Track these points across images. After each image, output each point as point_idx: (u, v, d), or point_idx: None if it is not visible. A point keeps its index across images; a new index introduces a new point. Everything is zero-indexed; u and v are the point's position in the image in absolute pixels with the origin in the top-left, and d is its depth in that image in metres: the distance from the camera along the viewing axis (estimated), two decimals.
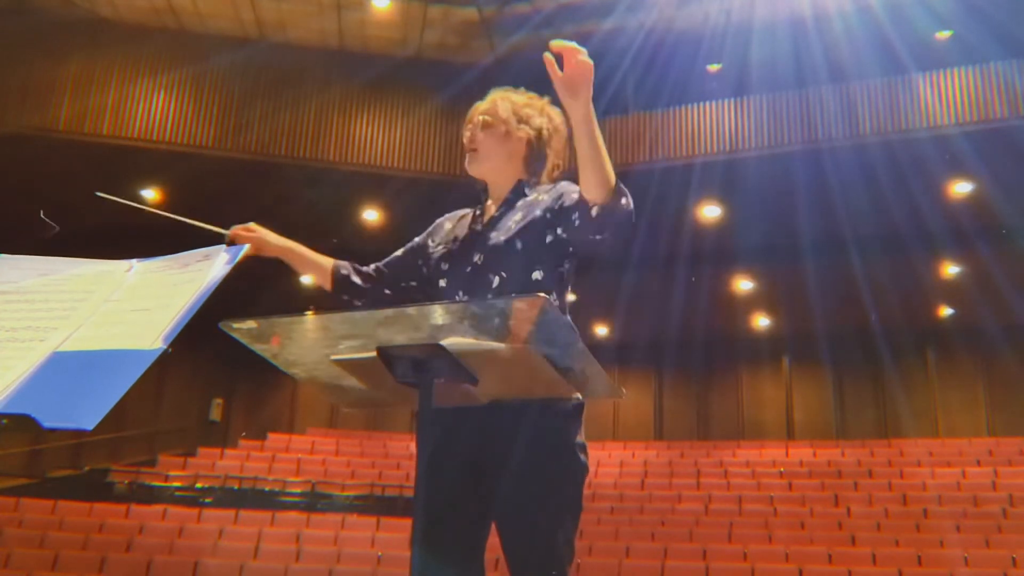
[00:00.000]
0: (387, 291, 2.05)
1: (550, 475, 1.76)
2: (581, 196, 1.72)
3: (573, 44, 1.57)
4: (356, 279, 2.03)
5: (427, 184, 11.75)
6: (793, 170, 10.58)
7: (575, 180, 1.78)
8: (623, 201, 1.68)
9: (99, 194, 1.94)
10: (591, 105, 1.62)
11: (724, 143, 10.99)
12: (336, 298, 2.00)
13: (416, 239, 2.10)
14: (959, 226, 11.00)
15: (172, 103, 11.44)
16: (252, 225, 1.95)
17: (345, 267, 2.03)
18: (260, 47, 11.70)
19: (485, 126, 2.00)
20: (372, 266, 2.07)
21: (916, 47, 10.56)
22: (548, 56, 1.58)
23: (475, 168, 2.02)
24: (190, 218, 1.98)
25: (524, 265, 1.85)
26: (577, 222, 1.77)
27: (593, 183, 1.66)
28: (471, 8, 11.33)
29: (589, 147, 1.63)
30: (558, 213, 1.86)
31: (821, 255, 11.70)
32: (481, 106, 2.04)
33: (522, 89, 2.10)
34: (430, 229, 2.10)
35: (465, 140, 2.03)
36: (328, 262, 2.02)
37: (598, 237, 1.73)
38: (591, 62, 1.58)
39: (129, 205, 1.96)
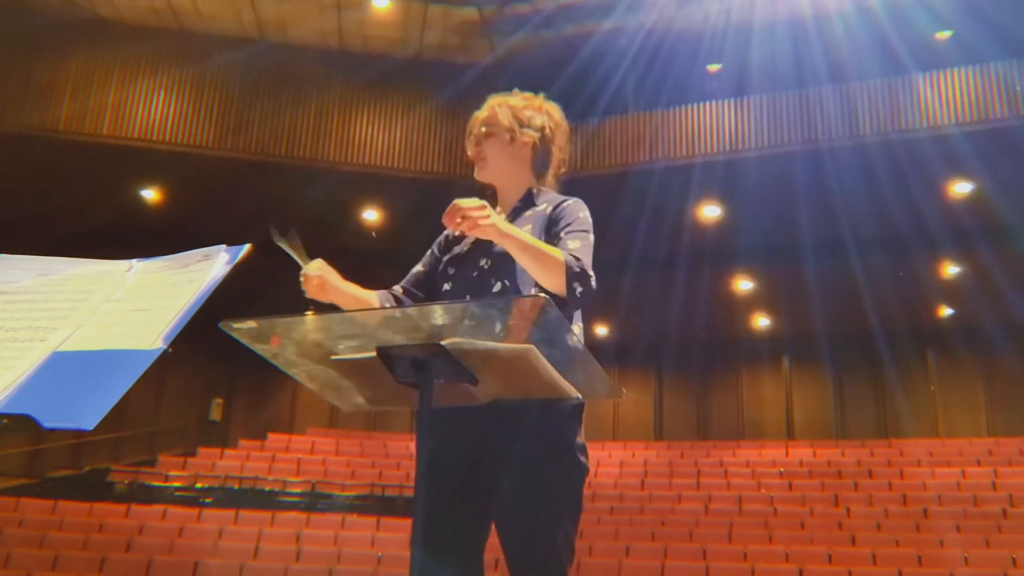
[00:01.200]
0: None
1: (550, 476, 1.76)
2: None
3: (465, 211, 1.67)
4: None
5: (427, 184, 11.75)
6: (793, 170, 10.58)
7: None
8: (578, 291, 1.73)
9: (279, 243, 1.88)
10: (509, 232, 1.71)
11: (724, 143, 10.99)
12: None
13: (429, 252, 2.11)
14: (959, 226, 11.00)
15: (172, 103, 11.44)
16: (321, 263, 1.89)
17: (386, 297, 2.02)
18: (260, 47, 11.70)
19: (489, 135, 2.01)
20: (399, 288, 2.07)
21: (916, 47, 10.56)
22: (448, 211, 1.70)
23: (484, 175, 2.05)
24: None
25: (527, 273, 1.85)
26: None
27: (548, 287, 1.74)
28: (471, 8, 11.33)
29: (526, 262, 1.74)
30: (553, 222, 1.91)
31: (821, 255, 11.70)
32: (481, 115, 2.04)
33: (516, 90, 2.11)
34: (439, 239, 2.11)
35: (471, 152, 2.04)
36: (373, 296, 2.00)
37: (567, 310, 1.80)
38: (489, 218, 1.67)
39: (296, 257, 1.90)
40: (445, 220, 1.70)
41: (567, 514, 1.77)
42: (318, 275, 1.86)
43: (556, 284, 1.72)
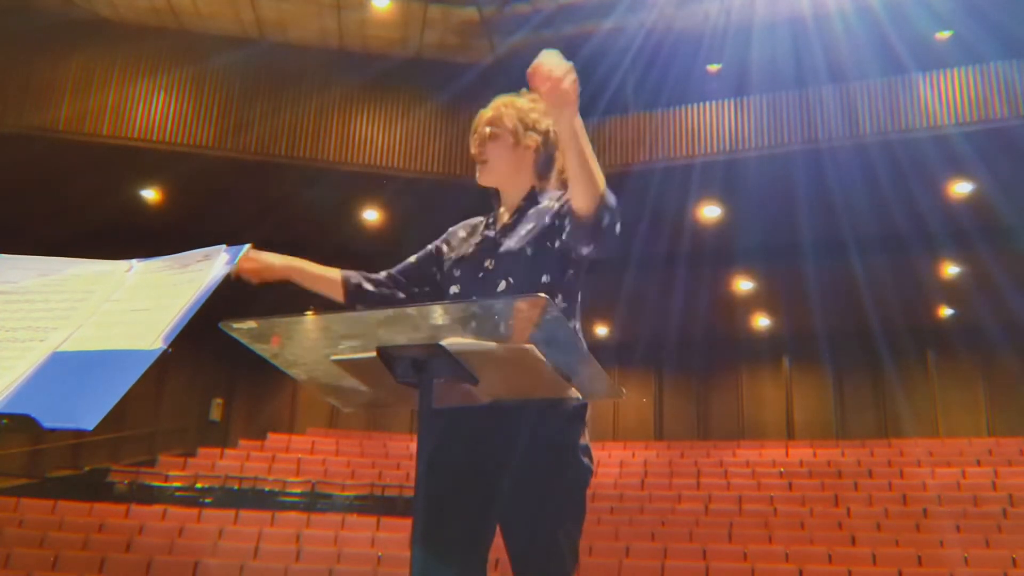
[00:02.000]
0: (400, 296, 2.02)
1: (552, 477, 1.75)
2: (571, 206, 1.72)
3: (552, 67, 1.56)
4: (368, 286, 2.00)
5: (427, 184, 11.75)
6: (793, 170, 10.58)
7: None
8: (607, 215, 1.68)
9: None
10: (577, 119, 1.62)
11: (724, 143, 10.99)
12: (349, 308, 1.96)
13: (429, 246, 2.09)
14: (959, 226, 11.00)
15: (172, 103, 11.44)
16: (249, 251, 1.89)
17: (355, 276, 2.00)
18: (260, 47, 11.71)
19: (493, 137, 1.98)
20: (383, 273, 2.05)
21: (916, 47, 10.56)
22: (533, 70, 1.58)
23: (486, 179, 2.01)
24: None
25: (532, 271, 1.85)
26: (568, 230, 1.78)
27: (579, 195, 1.67)
28: (471, 8, 11.33)
29: (575, 160, 1.64)
30: (561, 218, 1.86)
31: (821, 255, 11.70)
32: (486, 115, 2.02)
33: (524, 91, 2.09)
34: (444, 236, 2.09)
35: (474, 152, 2.01)
36: (336, 273, 1.98)
37: (584, 250, 1.77)
38: (571, 83, 1.57)
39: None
40: (534, 73, 1.57)
41: (570, 515, 1.77)
42: (251, 260, 1.84)
43: (588, 201, 1.66)
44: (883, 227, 11.25)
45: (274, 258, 1.89)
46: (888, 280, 12.20)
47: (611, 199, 1.68)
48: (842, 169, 10.38)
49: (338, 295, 1.98)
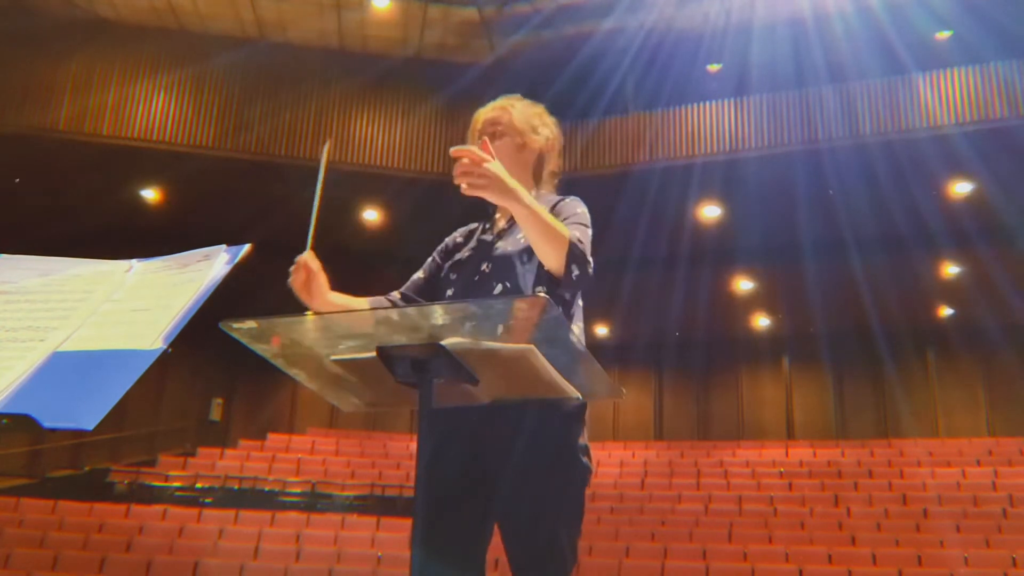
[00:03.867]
0: None
1: (551, 476, 1.75)
2: (545, 268, 1.74)
3: (466, 155, 1.59)
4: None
5: (427, 184, 11.75)
6: (793, 170, 10.59)
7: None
8: (576, 265, 1.69)
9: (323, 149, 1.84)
10: (520, 197, 1.62)
11: (724, 143, 10.99)
12: None
13: (430, 259, 2.09)
14: (959, 226, 11.00)
15: (172, 103, 11.44)
16: (314, 257, 1.82)
17: (381, 303, 1.98)
18: (260, 47, 11.71)
19: (500, 136, 1.97)
20: (397, 293, 2.04)
21: (916, 47, 10.57)
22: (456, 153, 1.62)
23: None
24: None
25: (529, 276, 1.85)
26: (546, 284, 1.78)
27: (548, 260, 1.70)
28: (471, 8, 11.33)
29: (532, 234, 1.68)
30: None
31: (821, 255, 11.70)
32: (490, 115, 2.01)
33: (519, 96, 2.09)
34: (442, 244, 2.10)
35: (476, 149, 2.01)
36: (363, 302, 1.95)
37: (566, 296, 1.80)
38: (494, 169, 1.60)
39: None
40: (456, 172, 1.61)
41: (568, 515, 1.77)
42: (310, 269, 1.82)
43: (556, 260, 1.69)
44: (883, 227, 11.25)
45: (328, 292, 1.85)
46: (888, 280, 12.21)
47: (577, 248, 1.69)
48: (842, 169, 10.39)
49: None
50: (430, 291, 2.03)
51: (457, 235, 2.10)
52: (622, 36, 11.30)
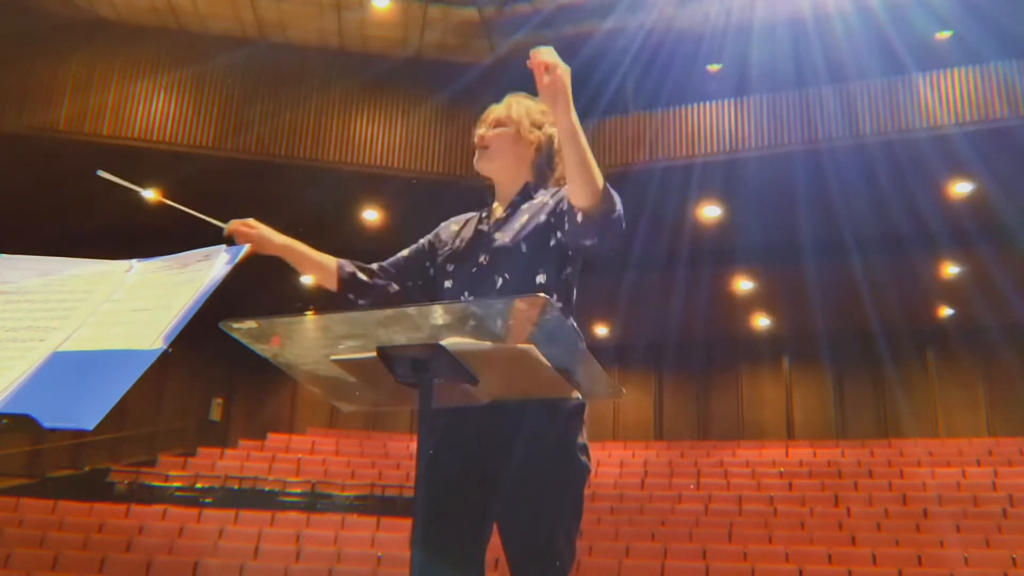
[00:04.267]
0: (393, 288, 2.02)
1: (550, 476, 1.75)
2: (570, 203, 1.73)
3: (545, 58, 1.61)
4: (362, 276, 2.00)
5: (427, 184, 11.75)
6: (793, 170, 10.58)
7: None
8: (609, 207, 1.69)
9: (100, 173, 1.92)
10: (571, 113, 1.63)
11: (724, 143, 10.99)
12: (341, 297, 1.97)
13: (422, 240, 2.10)
14: (959, 226, 10.99)
15: (172, 103, 11.44)
16: (252, 221, 1.91)
17: (349, 265, 2.01)
18: (260, 47, 11.70)
19: (497, 124, 2.01)
20: (376, 265, 2.06)
21: (916, 47, 10.56)
22: (531, 58, 1.62)
23: (484, 166, 2.03)
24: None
25: (528, 267, 1.86)
26: (568, 227, 1.78)
27: (578, 190, 1.68)
28: (471, 8, 11.33)
29: (571, 154, 1.65)
30: (559, 216, 1.87)
31: (821, 255, 11.70)
32: (496, 107, 2.06)
33: (526, 93, 2.10)
34: (436, 231, 2.10)
35: (476, 137, 2.03)
36: (331, 261, 1.99)
37: (587, 243, 1.76)
38: (563, 75, 1.60)
39: (128, 187, 1.95)
40: (532, 65, 1.61)
41: (568, 514, 1.77)
42: (248, 225, 1.87)
43: (587, 193, 1.67)
44: (883, 227, 11.25)
45: (274, 234, 1.91)
46: (888, 280, 12.21)
47: (613, 192, 1.70)
48: (842, 169, 10.38)
49: (331, 282, 1.98)
50: (409, 270, 2.05)
51: (452, 223, 2.10)
52: (622, 36, 11.30)
